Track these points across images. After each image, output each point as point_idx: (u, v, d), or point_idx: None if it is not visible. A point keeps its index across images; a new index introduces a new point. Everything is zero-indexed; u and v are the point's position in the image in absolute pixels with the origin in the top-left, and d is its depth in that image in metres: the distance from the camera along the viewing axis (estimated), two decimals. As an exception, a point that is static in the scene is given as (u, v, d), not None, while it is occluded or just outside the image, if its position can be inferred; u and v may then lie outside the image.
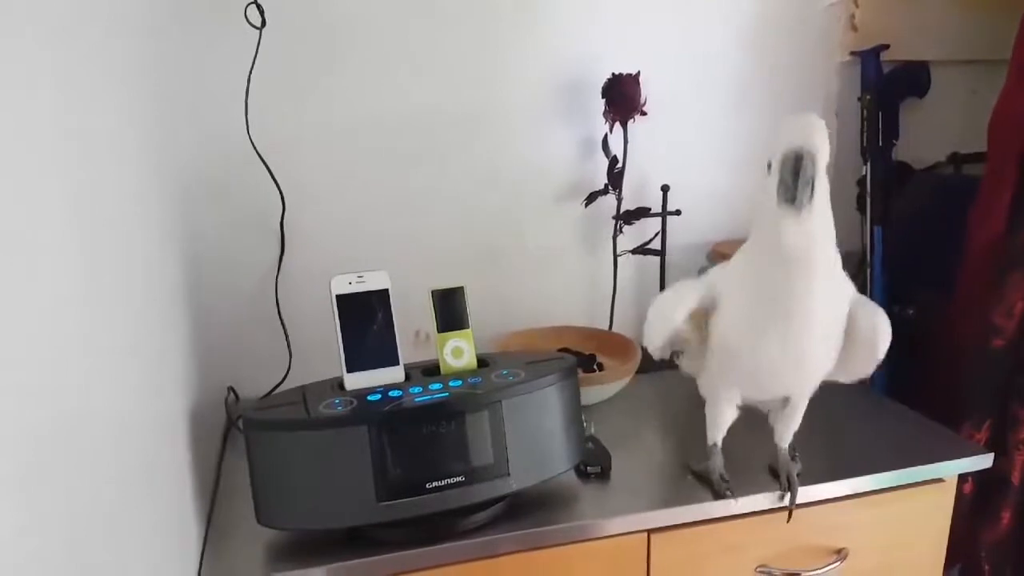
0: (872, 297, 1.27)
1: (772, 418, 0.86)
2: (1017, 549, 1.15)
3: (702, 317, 0.78)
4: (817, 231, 0.65)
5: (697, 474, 0.86)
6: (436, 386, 0.78)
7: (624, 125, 1.14)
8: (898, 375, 1.26)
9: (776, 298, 0.70)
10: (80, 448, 0.46)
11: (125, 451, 0.56)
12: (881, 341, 0.74)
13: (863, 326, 0.74)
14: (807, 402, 0.83)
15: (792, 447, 0.86)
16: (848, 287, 0.75)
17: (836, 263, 0.71)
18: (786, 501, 0.83)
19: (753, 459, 0.88)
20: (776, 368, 0.75)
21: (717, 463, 0.83)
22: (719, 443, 0.85)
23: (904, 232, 1.30)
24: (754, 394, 0.82)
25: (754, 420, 0.87)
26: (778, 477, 0.84)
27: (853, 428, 1.00)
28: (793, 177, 0.62)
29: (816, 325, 0.71)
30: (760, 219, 0.69)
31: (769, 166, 0.67)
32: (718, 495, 0.81)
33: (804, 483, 0.84)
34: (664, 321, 0.78)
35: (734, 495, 0.81)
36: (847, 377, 0.79)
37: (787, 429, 0.84)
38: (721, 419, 0.83)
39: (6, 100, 0.40)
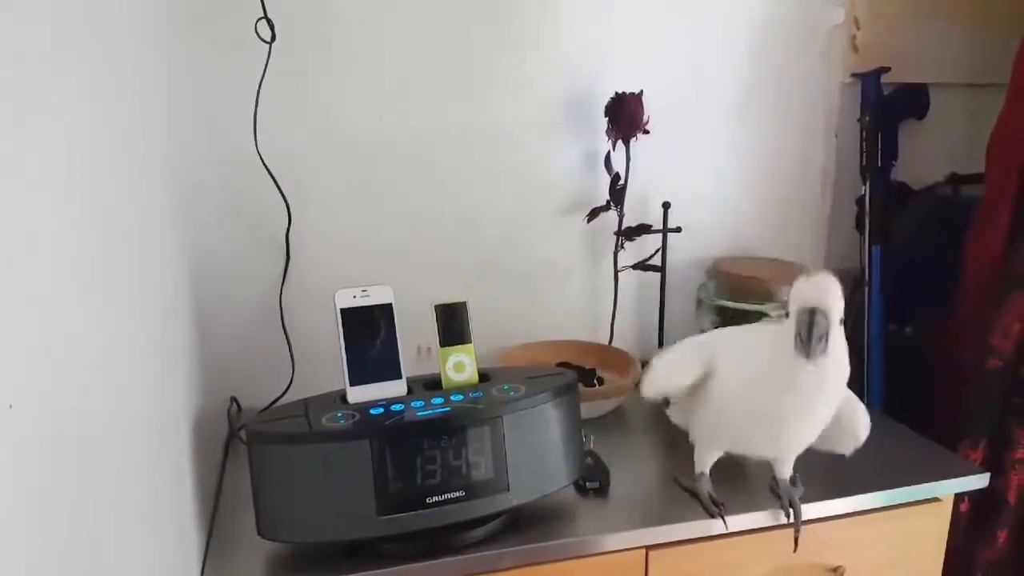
0: (870, 316, 1.29)
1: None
2: (1014, 569, 1.15)
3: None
4: (830, 373, 0.72)
5: (686, 489, 0.87)
6: (438, 400, 0.79)
7: (626, 143, 1.15)
8: (895, 393, 1.26)
9: (775, 408, 0.77)
10: (81, 455, 0.46)
11: (127, 458, 0.57)
12: (861, 432, 0.81)
13: (847, 419, 0.81)
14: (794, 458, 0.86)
15: (793, 473, 0.87)
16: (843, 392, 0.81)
17: (842, 388, 0.77)
18: (790, 524, 0.84)
19: (753, 477, 0.89)
20: (758, 445, 0.84)
21: (705, 485, 0.85)
22: (707, 472, 0.86)
23: (903, 252, 1.31)
24: (739, 452, 0.86)
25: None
26: (779, 498, 0.85)
27: (851, 446, 1.01)
28: (808, 332, 0.68)
29: (808, 429, 0.79)
30: (779, 349, 0.73)
31: (787, 313, 0.73)
32: (711, 516, 0.82)
33: (802, 501, 0.84)
34: (669, 382, 0.85)
35: (725, 515, 0.82)
36: (828, 449, 0.84)
37: (783, 468, 0.86)
38: (708, 459, 0.87)
39: (16, 113, 0.41)
